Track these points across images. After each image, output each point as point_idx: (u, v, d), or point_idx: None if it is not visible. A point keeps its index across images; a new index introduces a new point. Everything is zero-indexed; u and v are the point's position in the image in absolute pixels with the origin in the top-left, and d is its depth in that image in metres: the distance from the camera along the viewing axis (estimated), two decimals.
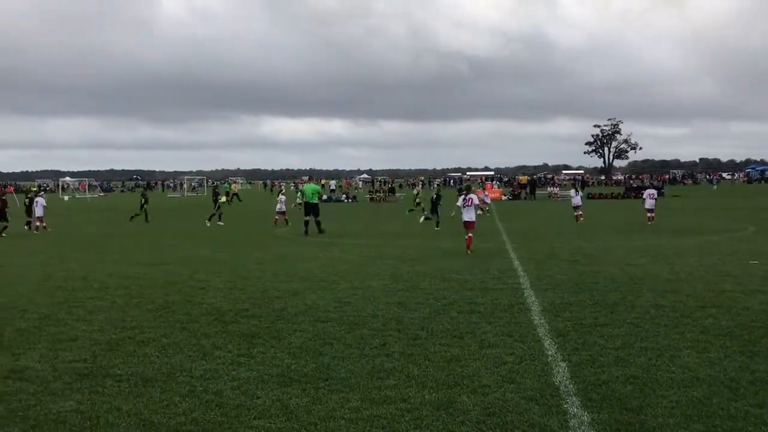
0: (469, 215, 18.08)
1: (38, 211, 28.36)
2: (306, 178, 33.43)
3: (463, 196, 18.57)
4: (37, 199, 28.78)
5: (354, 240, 22.38)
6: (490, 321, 9.34)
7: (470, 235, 17.92)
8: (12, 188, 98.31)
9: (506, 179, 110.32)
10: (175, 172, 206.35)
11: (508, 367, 7.13)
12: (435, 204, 28.21)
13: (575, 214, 31.54)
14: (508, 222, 30.54)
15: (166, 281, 13.42)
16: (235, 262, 16.51)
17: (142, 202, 34.90)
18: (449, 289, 12.00)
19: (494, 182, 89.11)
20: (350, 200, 60.14)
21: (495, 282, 12.75)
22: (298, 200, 29.94)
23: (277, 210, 30.84)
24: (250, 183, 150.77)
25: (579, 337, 8.38)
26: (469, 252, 17.51)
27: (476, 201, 18.61)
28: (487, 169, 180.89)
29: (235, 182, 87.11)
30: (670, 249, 18.22)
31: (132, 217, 34.53)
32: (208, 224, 30.09)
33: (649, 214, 29.23)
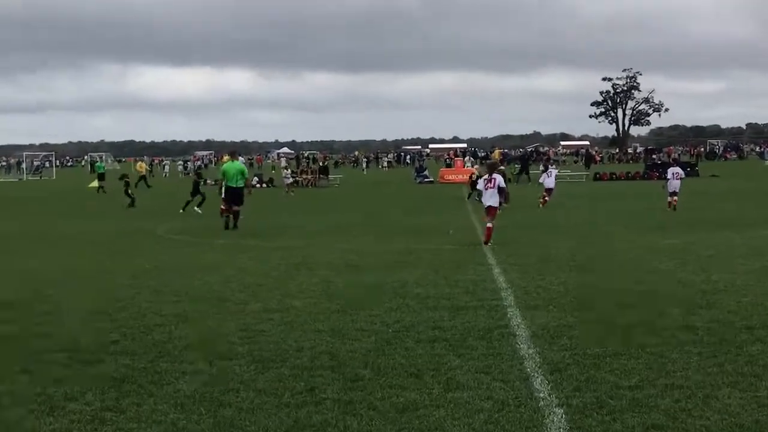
0: (490, 199, 20.48)
1: None
2: (227, 154, 34.46)
3: (484, 177, 21.24)
4: None
5: (271, 241, 22.28)
6: (460, 353, 9.42)
7: (489, 225, 20.26)
8: None
9: (483, 154, 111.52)
10: (8, 146, 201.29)
11: (485, 417, 7.20)
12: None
13: (542, 197, 33.71)
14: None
15: None
16: (100, 275, 16.28)
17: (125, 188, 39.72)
18: (404, 309, 12.04)
19: (467, 158, 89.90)
20: (265, 184, 59.88)
21: (468, 298, 12.87)
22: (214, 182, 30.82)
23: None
24: (120, 161, 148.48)
25: (581, 372, 8.53)
26: (488, 244, 19.66)
27: (501, 182, 20.66)
28: (456, 140, 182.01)
29: (142, 160, 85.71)
30: (705, 249, 18.65)
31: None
32: (182, 212, 33.45)
33: (670, 198, 30.17)
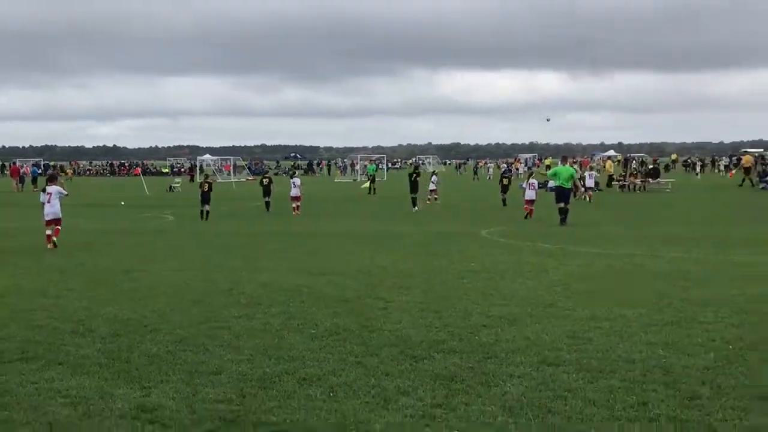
0: None
1: (294, 192, 38.91)
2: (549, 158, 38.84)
3: None
4: (293, 180, 40.23)
5: (598, 247, 21.98)
6: None
7: None
8: (139, 169, 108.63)
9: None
10: (345, 148, 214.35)
11: None
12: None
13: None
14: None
15: (337, 297, 13.99)
16: (427, 274, 16.93)
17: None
18: (746, 326, 11.32)
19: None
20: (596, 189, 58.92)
21: None
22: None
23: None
24: (445, 163, 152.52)
25: None
26: None
27: None
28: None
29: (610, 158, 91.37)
30: None
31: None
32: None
33: None
